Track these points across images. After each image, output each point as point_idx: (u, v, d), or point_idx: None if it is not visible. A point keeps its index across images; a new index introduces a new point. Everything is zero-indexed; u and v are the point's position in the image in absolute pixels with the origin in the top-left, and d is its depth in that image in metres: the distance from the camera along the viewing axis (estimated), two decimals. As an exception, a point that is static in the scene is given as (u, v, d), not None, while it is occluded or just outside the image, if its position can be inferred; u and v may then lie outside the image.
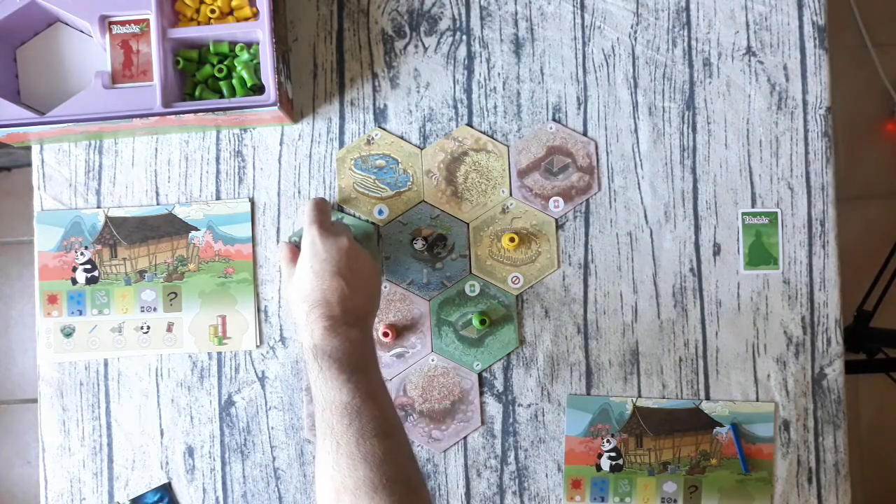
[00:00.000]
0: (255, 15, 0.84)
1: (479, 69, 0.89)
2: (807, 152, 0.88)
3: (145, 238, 0.88)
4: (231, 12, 0.84)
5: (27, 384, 1.76)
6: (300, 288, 0.74)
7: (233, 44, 0.84)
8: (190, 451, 0.87)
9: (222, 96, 0.83)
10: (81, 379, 0.88)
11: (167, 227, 0.88)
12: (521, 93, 0.89)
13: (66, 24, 0.85)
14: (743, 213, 0.87)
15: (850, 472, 0.88)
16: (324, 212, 0.79)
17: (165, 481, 0.87)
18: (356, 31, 0.89)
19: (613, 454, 0.87)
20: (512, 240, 0.85)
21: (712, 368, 0.87)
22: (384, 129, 0.89)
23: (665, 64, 0.88)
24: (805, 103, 0.88)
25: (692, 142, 0.88)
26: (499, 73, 0.89)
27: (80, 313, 0.88)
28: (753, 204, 0.88)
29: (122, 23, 0.83)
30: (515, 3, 0.89)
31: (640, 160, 0.88)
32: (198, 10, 0.84)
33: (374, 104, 0.89)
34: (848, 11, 1.71)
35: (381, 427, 0.67)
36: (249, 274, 0.87)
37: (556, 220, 0.88)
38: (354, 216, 0.88)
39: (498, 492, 0.87)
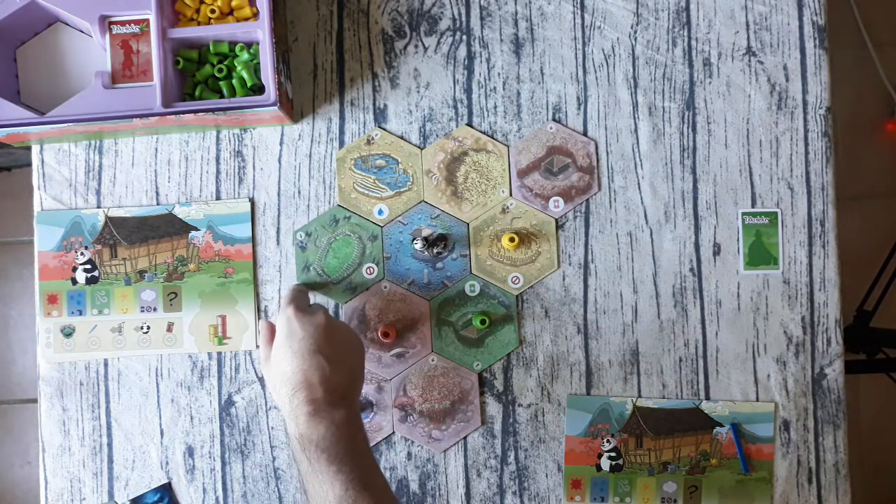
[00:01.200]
0: (255, 15, 0.84)
1: (479, 69, 0.89)
2: (807, 152, 0.88)
3: (145, 238, 0.88)
4: (231, 12, 0.84)
5: (27, 384, 1.75)
6: (280, 370, 0.70)
7: (233, 44, 0.84)
8: (190, 451, 0.87)
9: (222, 96, 0.83)
10: (81, 379, 0.88)
11: (167, 227, 0.88)
12: (521, 93, 0.89)
13: (66, 24, 0.85)
14: (743, 213, 0.87)
15: (850, 472, 0.88)
16: (302, 294, 0.76)
17: (165, 481, 0.87)
18: (356, 31, 0.89)
19: (613, 454, 0.87)
20: (512, 240, 0.85)
21: (712, 368, 0.87)
22: (384, 129, 0.89)
23: (665, 64, 0.88)
24: (805, 103, 0.88)
25: (692, 142, 0.88)
26: (499, 73, 0.89)
27: (80, 313, 0.88)
28: (753, 204, 0.88)
29: (122, 23, 0.83)
30: (515, 3, 0.89)
31: (640, 160, 0.88)
32: (198, 10, 0.84)
33: (374, 104, 0.89)
34: (848, 11, 1.71)
35: None
36: (249, 274, 0.87)
37: (556, 220, 0.88)
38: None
39: (498, 492, 0.87)
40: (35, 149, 0.89)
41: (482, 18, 0.89)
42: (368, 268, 0.87)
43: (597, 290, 0.87)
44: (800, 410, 0.87)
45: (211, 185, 0.89)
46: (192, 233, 0.88)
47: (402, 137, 0.89)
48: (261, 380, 0.87)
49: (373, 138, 0.89)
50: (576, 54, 0.89)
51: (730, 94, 0.88)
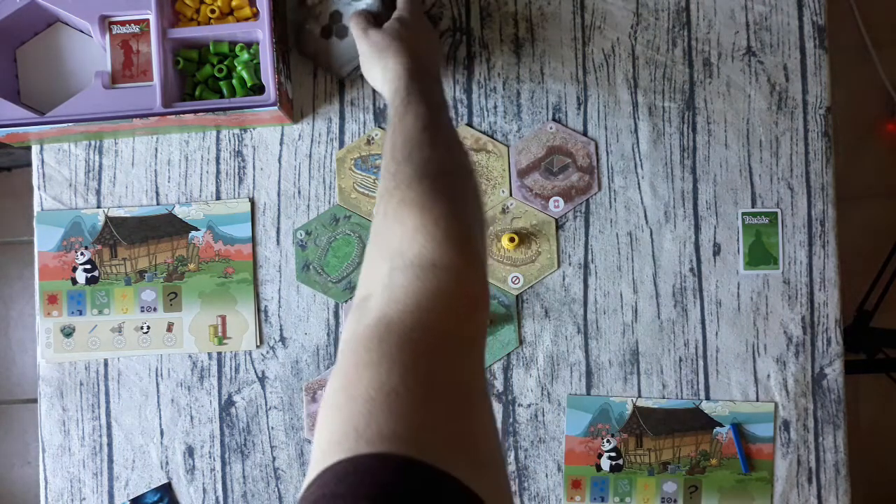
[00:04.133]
0: (255, 15, 0.83)
1: (479, 69, 0.89)
2: (807, 152, 0.88)
3: (145, 238, 0.88)
4: (231, 12, 0.84)
5: (27, 384, 1.76)
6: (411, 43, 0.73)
7: (233, 44, 0.84)
8: (190, 451, 0.87)
9: (222, 96, 0.83)
10: (81, 379, 0.88)
11: (167, 227, 0.88)
12: (521, 93, 0.89)
13: (66, 24, 0.85)
14: (743, 213, 0.87)
15: (850, 472, 0.88)
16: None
17: (165, 481, 0.87)
18: (356, 31, 0.89)
19: (613, 454, 0.87)
20: (512, 240, 0.85)
21: (712, 368, 0.87)
22: (384, 129, 0.89)
23: (665, 64, 0.88)
24: (805, 103, 0.88)
25: (692, 142, 0.88)
26: (499, 73, 0.89)
27: (80, 313, 0.88)
28: (753, 204, 0.88)
29: (122, 23, 0.83)
30: (515, 3, 0.89)
31: (640, 160, 0.88)
32: (198, 10, 0.84)
33: (374, 104, 0.89)
34: (848, 11, 1.71)
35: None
36: (249, 274, 0.87)
37: (556, 220, 0.88)
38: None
39: (498, 492, 0.87)
40: (35, 149, 0.89)
41: (482, 18, 0.89)
42: (368, 268, 0.87)
43: (597, 290, 0.87)
44: (800, 410, 0.87)
45: (211, 185, 0.89)
46: (192, 233, 0.88)
47: (402, 137, 0.88)
48: (261, 379, 0.87)
49: (373, 138, 0.89)
50: (576, 54, 0.89)
51: (730, 94, 0.88)
